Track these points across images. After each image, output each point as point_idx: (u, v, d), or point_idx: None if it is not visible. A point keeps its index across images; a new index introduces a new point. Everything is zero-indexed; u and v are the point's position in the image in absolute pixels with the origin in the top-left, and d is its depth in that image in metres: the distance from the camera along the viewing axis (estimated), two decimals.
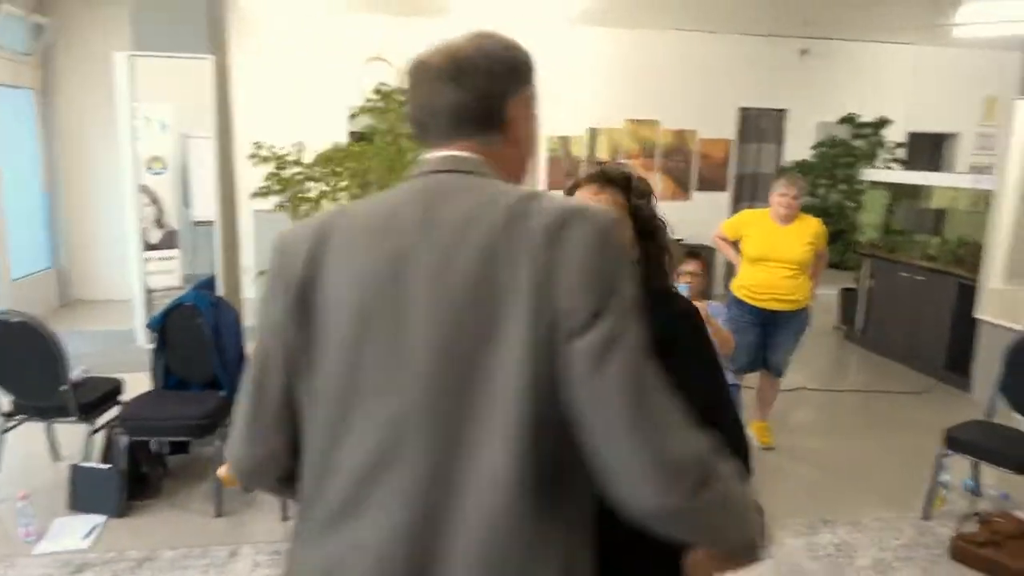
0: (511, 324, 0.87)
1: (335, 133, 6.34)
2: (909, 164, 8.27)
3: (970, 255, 5.57)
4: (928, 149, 9.23)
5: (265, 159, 4.74)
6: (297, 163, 4.75)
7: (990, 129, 8.68)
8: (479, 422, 0.88)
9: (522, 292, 0.87)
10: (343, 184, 4.74)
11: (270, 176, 4.69)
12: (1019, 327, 4.43)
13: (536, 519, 0.89)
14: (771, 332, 4.17)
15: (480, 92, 1.01)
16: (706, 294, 3.74)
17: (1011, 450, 3.24)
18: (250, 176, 4.81)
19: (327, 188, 4.73)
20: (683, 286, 3.53)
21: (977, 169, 8.09)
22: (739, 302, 4.14)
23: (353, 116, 5.00)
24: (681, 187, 8.60)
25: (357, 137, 4.99)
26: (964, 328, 5.28)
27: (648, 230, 1.44)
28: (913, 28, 7.85)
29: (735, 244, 4.26)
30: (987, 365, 4.64)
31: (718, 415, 1.23)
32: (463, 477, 0.88)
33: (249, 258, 5.20)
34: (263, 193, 4.68)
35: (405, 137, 4.61)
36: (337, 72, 7.54)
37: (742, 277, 4.16)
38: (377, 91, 4.79)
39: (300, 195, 4.69)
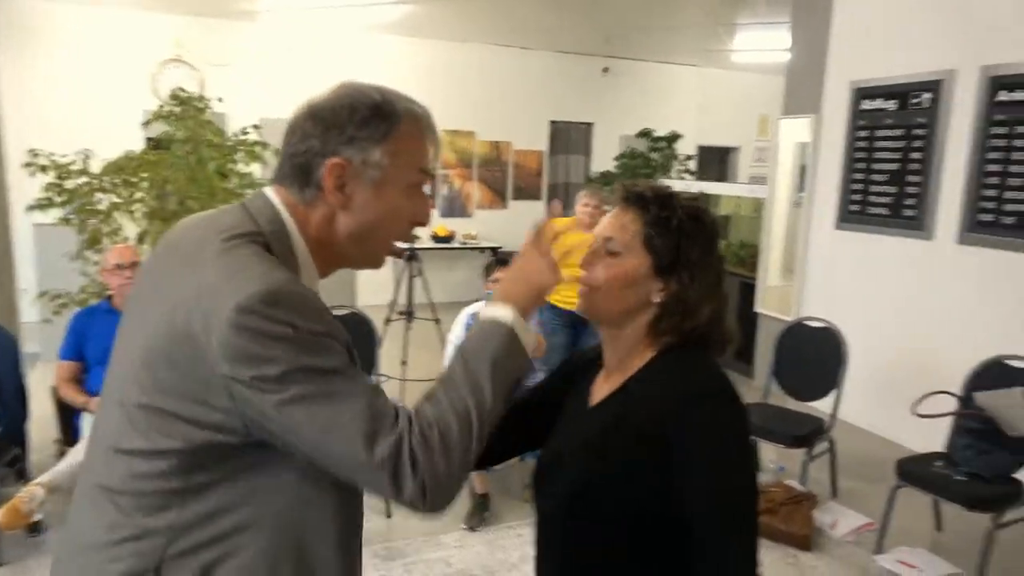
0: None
1: (129, 140, 5.87)
2: (699, 175, 9.11)
3: (750, 256, 6.25)
4: (715, 161, 10.23)
5: (44, 168, 4.29)
6: (83, 172, 4.35)
7: (764, 143, 9.78)
8: None
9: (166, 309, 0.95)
10: (138, 195, 4.41)
11: (50, 187, 4.25)
12: (788, 318, 5.03)
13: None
14: (580, 333, 4.42)
15: (297, 143, 1.04)
16: None
17: (783, 427, 3.69)
18: (27, 187, 4.34)
19: (119, 200, 4.37)
20: (492, 293, 3.65)
21: (755, 179, 9.08)
22: (551, 307, 4.35)
23: (147, 123, 4.65)
24: (498, 196, 8.88)
25: (154, 145, 4.65)
26: (748, 321, 5.91)
27: (670, 263, 1.16)
28: (697, 52, 8.69)
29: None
30: (765, 353, 5.22)
31: (719, 535, 1.06)
32: None
33: (27, 278, 4.68)
34: (42, 206, 4.23)
35: (207, 146, 4.38)
36: (130, 74, 6.99)
37: None
38: (175, 96, 4.50)
39: (88, 207, 4.30)
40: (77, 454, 3.03)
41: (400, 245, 5.92)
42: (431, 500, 0.92)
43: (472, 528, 3.43)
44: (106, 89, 6.88)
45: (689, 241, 1.15)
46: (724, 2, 6.52)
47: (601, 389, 1.24)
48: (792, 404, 4.08)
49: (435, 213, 8.48)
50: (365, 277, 8.24)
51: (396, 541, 3.32)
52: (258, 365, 0.88)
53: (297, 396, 0.88)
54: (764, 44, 7.80)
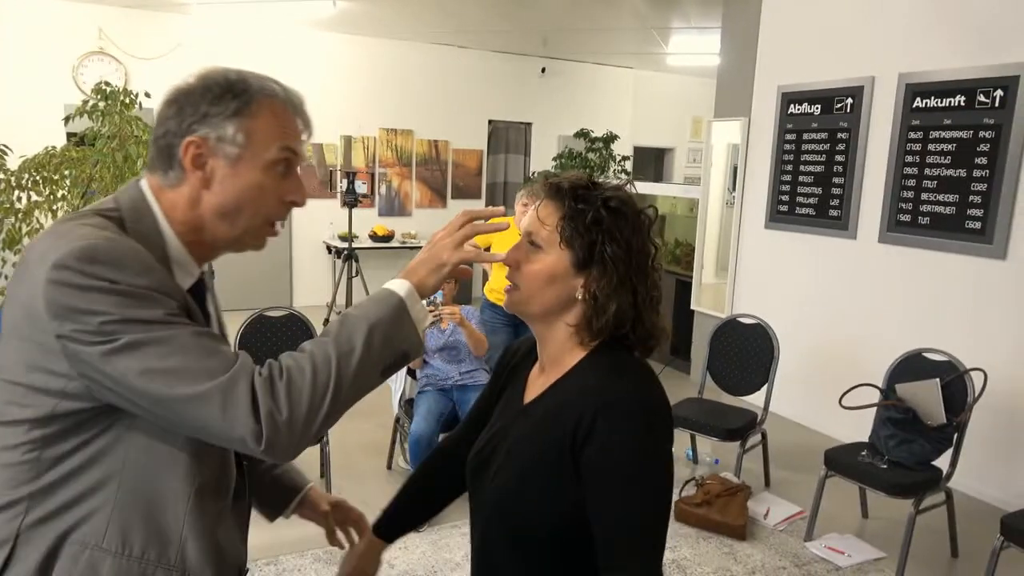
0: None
1: (49, 135, 5.60)
2: (635, 175, 9.28)
3: (685, 255, 6.41)
4: (651, 162, 10.43)
5: None
6: None
7: (698, 145, 10.03)
8: None
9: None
10: (61, 194, 4.22)
11: None
12: (722, 315, 5.18)
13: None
14: (521, 331, 4.44)
15: (159, 127, 1.07)
16: (461, 299, 3.89)
17: (718, 422, 3.79)
18: None
19: (40, 198, 4.17)
20: (438, 292, 3.64)
21: (690, 180, 9.30)
22: (492, 305, 4.37)
23: (69, 118, 4.46)
24: (438, 195, 8.84)
25: (78, 140, 4.46)
26: (684, 318, 6.05)
27: (586, 258, 1.12)
28: (633, 54, 8.84)
29: (487, 250, 4.49)
30: (701, 350, 5.36)
31: (620, 558, 1.03)
32: None
33: None
34: None
35: (134, 142, 4.22)
36: (49, 65, 6.68)
37: (493, 281, 4.40)
38: (99, 90, 4.32)
39: (5, 206, 4.09)
40: None
41: (337, 244, 5.80)
42: (268, 443, 0.93)
43: (417, 529, 3.40)
44: (24, 81, 6.55)
45: (606, 235, 1.11)
46: (656, 6, 6.66)
47: (535, 384, 1.22)
48: (727, 399, 4.21)
49: (373, 212, 8.40)
50: (302, 278, 8.10)
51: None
52: (77, 318, 0.91)
53: (121, 346, 0.91)
54: (697, 48, 8.00)
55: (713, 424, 3.77)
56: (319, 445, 3.56)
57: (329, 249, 8.09)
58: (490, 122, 9.02)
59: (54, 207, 4.23)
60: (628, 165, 8.98)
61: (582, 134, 8.55)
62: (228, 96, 1.05)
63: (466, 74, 8.71)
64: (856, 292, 4.64)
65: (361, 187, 6.95)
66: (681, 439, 4.22)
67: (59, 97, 6.51)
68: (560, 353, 1.17)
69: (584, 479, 1.06)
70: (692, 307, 5.95)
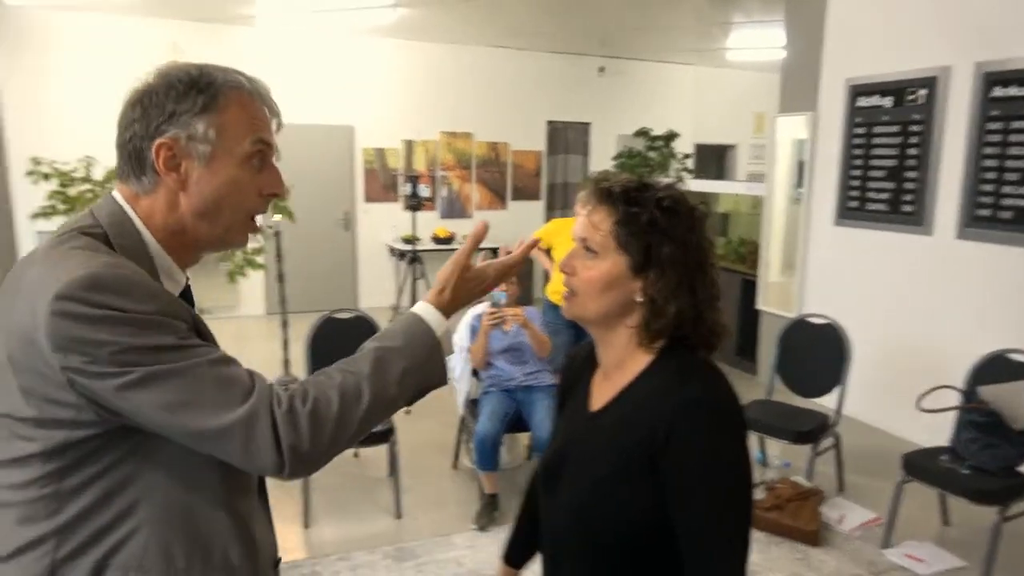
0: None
1: None
2: (697, 173, 9.14)
3: (750, 253, 6.29)
4: (713, 159, 10.27)
5: (47, 176, 4.30)
6: (86, 180, 4.35)
7: (761, 141, 9.81)
8: None
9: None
10: None
11: (54, 194, 4.26)
12: (790, 315, 5.07)
13: None
14: (583, 333, 4.43)
15: (124, 132, 1.02)
16: (523, 301, 3.91)
17: (787, 424, 3.71)
18: (31, 195, 4.34)
19: None
20: (500, 294, 3.68)
21: (753, 177, 9.12)
22: (553, 306, 4.38)
23: None
24: (498, 197, 8.89)
25: None
26: (750, 318, 5.93)
27: (643, 261, 1.11)
28: (692, 51, 8.71)
29: (548, 252, 4.51)
30: (768, 350, 5.25)
31: (710, 559, 1.04)
32: None
33: None
34: (46, 213, 4.24)
35: None
36: (127, 79, 6.98)
37: (554, 283, 4.41)
38: None
39: None
40: None
41: (401, 246, 5.92)
42: (290, 472, 0.93)
43: (482, 528, 3.44)
44: (106, 95, 6.86)
45: (661, 237, 1.10)
46: (717, 2, 6.55)
47: (601, 391, 1.20)
48: (796, 400, 4.11)
49: (435, 215, 8.50)
50: (366, 280, 8.26)
51: (407, 542, 3.34)
52: (86, 350, 0.87)
53: (136, 379, 0.88)
54: (758, 42, 7.84)
55: (783, 426, 3.69)
56: (387, 444, 3.63)
57: (392, 252, 8.23)
58: (549, 123, 9.03)
59: None
60: (689, 163, 8.86)
61: (642, 133, 8.47)
62: (193, 92, 1.00)
63: (524, 76, 8.75)
64: (932, 289, 4.47)
65: (424, 190, 7.05)
66: (749, 441, 4.14)
67: None
68: (623, 358, 1.16)
69: (667, 486, 1.06)
70: (758, 306, 5.83)
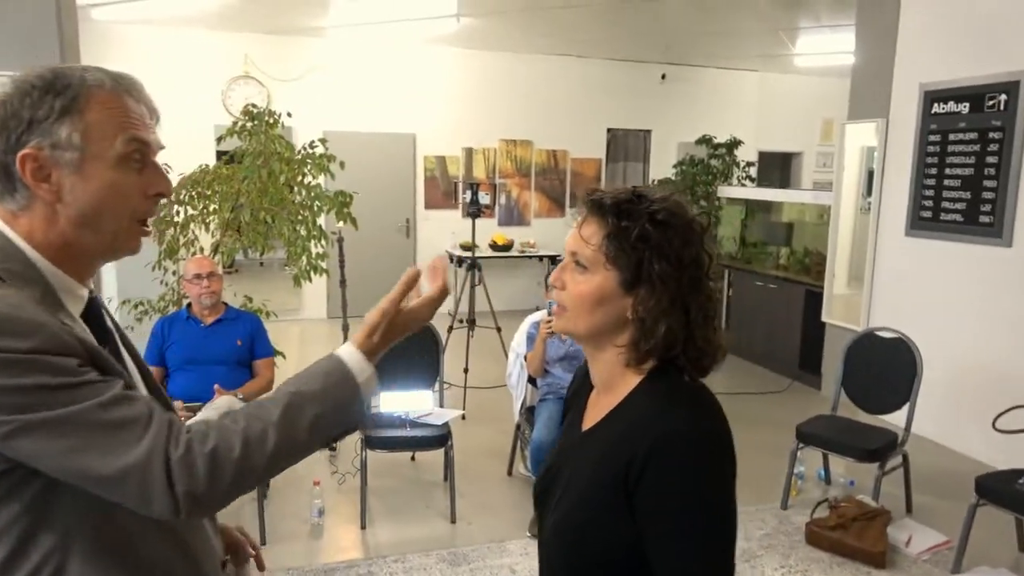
0: None
1: (202, 154, 6.10)
2: (760, 181, 8.96)
3: (815, 264, 6.12)
4: (776, 167, 10.04)
5: None
6: None
7: (828, 148, 9.55)
8: None
9: None
10: (213, 207, 4.58)
11: None
12: (857, 328, 4.91)
13: None
14: None
15: None
16: None
17: (853, 441, 3.59)
18: None
19: (195, 212, 4.55)
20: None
21: (819, 185, 8.88)
22: None
23: (221, 138, 4.84)
24: (556, 205, 8.89)
25: (228, 159, 4.83)
26: (814, 331, 5.77)
27: (636, 274, 1.04)
28: (758, 56, 8.55)
29: None
30: (833, 364, 5.10)
31: None
32: None
33: (111, 286, 4.91)
34: None
35: (277, 159, 4.52)
36: (202, 90, 7.28)
37: None
38: (247, 112, 4.66)
39: (166, 219, 4.48)
40: None
41: (460, 253, 5.99)
42: (187, 515, 0.89)
43: (536, 536, 3.43)
44: (181, 105, 7.16)
45: (653, 252, 1.03)
46: (784, 7, 6.42)
47: (594, 410, 1.16)
48: (862, 417, 3.97)
49: (493, 221, 8.53)
50: (425, 286, 8.36)
51: (461, 547, 3.36)
52: None
53: (15, 428, 0.83)
54: (827, 48, 7.64)
55: (849, 443, 3.57)
56: (443, 449, 3.67)
57: (451, 258, 8.32)
58: (609, 130, 8.99)
59: (207, 220, 4.60)
60: (752, 171, 8.69)
61: (704, 140, 8.36)
62: (50, 96, 0.93)
63: (585, 83, 8.74)
64: (1010, 304, 4.27)
65: (484, 198, 7.12)
66: (813, 457, 4.03)
67: (210, 118, 7.07)
68: (612, 377, 1.11)
69: (640, 524, 1.01)
70: (823, 319, 5.67)
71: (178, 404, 3.34)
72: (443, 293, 1.12)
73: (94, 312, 1.04)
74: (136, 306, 4.38)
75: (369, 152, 7.77)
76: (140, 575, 0.98)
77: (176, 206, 4.54)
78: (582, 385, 1.24)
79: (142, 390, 1.06)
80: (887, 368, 3.79)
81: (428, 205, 8.36)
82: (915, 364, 3.66)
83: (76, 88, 0.95)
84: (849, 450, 3.57)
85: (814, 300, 5.82)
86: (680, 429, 1.00)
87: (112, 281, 4.96)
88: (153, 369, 3.46)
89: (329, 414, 0.98)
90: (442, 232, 8.32)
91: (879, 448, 3.54)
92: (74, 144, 0.94)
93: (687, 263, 1.04)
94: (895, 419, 3.83)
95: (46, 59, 4.01)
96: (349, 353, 1.02)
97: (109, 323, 1.09)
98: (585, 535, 1.07)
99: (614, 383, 1.11)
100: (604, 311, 1.06)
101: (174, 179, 4.69)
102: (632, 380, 1.09)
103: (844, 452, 3.60)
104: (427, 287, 1.14)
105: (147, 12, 6.79)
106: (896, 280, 5.07)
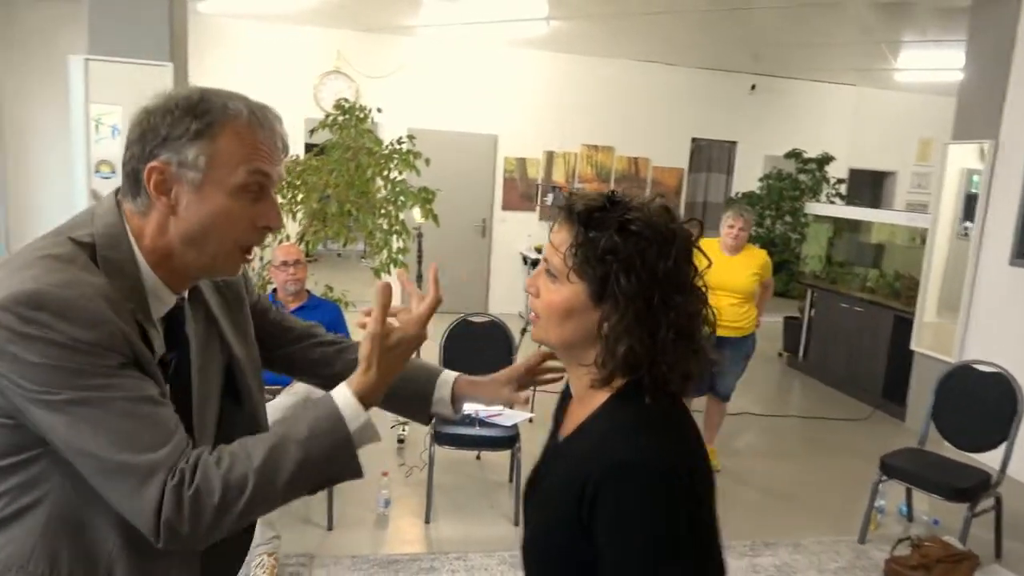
0: None
1: (292, 145, 6.29)
2: (850, 199, 8.63)
3: (906, 289, 5.84)
4: (868, 185, 9.65)
5: None
6: None
7: (925, 169, 9.13)
8: None
9: None
10: (300, 198, 4.71)
11: None
12: (950, 359, 4.65)
13: None
14: (724, 362, 4.29)
15: (126, 151, 1.02)
16: None
17: (941, 478, 3.40)
18: None
19: (284, 201, 4.68)
20: None
21: (913, 207, 8.49)
22: None
23: (313, 130, 4.98)
24: None
25: (318, 151, 4.96)
26: (900, 359, 5.51)
27: (603, 288, 0.97)
28: (855, 70, 8.24)
29: None
30: (921, 395, 4.85)
31: None
32: None
33: None
34: None
35: (365, 154, 4.61)
36: (294, 84, 7.50)
37: None
38: (338, 106, 4.78)
39: None
40: None
41: (534, 255, 5.97)
42: (164, 543, 0.91)
43: None
44: (274, 98, 7.37)
45: (620, 265, 0.95)
46: (888, 19, 6.16)
47: (571, 418, 1.10)
48: (951, 453, 3.76)
49: None
50: (498, 286, 8.40)
51: None
52: (12, 362, 0.89)
53: (53, 401, 0.89)
54: (931, 63, 7.30)
55: (937, 480, 3.38)
56: (511, 450, 3.67)
57: (525, 260, 8.33)
58: (693, 140, 8.83)
59: (294, 210, 4.73)
60: (843, 188, 8.39)
61: (793, 154, 8.11)
62: (188, 118, 0.99)
63: (671, 91, 8.61)
64: None
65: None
66: (894, 491, 3.84)
67: (301, 112, 7.29)
68: (583, 390, 1.05)
69: (597, 550, 0.95)
70: (912, 347, 5.40)
71: (271, 389, 3.45)
72: (435, 304, 1.10)
73: (177, 318, 1.09)
74: None
75: (450, 151, 7.85)
76: (81, 566, 1.00)
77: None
78: (567, 389, 1.19)
79: (193, 402, 1.09)
80: (983, 404, 3.57)
81: (506, 206, 8.39)
82: (1015, 401, 3.43)
83: (215, 115, 1.00)
84: (937, 487, 3.38)
85: (902, 326, 5.56)
86: (632, 460, 0.93)
87: None
88: None
89: (314, 462, 0.97)
90: (518, 233, 8.34)
91: (970, 488, 3.34)
92: (199, 166, 0.99)
93: (661, 277, 0.96)
94: (988, 459, 3.61)
95: (158, 50, 4.22)
96: (343, 397, 1.01)
97: (191, 332, 1.12)
98: (550, 547, 1.04)
99: (585, 398, 1.05)
100: (574, 324, 1.01)
101: None
102: (599, 397, 1.02)
103: (931, 489, 3.41)
104: (414, 304, 1.13)
105: (249, 7, 7.05)
106: (996, 311, 4.78)
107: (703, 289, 1.01)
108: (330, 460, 0.99)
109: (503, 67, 8.09)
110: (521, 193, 8.39)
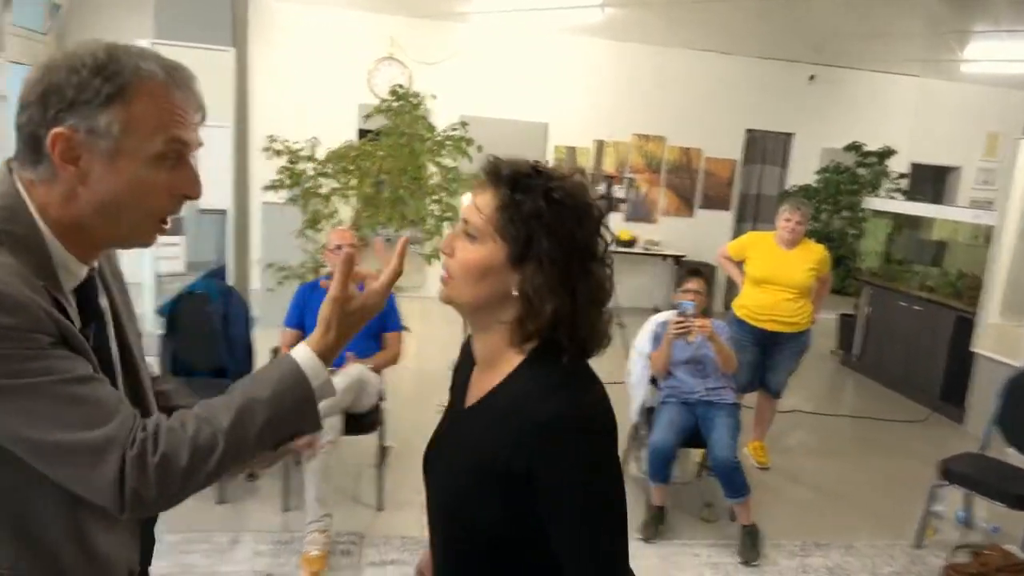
0: None
1: (345, 130, 6.35)
2: (911, 195, 8.36)
3: (968, 288, 5.64)
4: (930, 181, 9.34)
5: (279, 153, 4.76)
6: (310, 159, 4.76)
7: (991, 164, 8.80)
8: None
9: None
10: (354, 182, 4.76)
11: (283, 170, 4.70)
12: (1016, 363, 4.49)
13: None
14: (770, 353, 4.21)
15: (21, 113, 0.93)
16: (708, 312, 3.77)
17: (1005, 484, 3.28)
18: (261, 168, 4.83)
19: (338, 185, 4.74)
20: (688, 303, 3.58)
21: (978, 204, 8.18)
22: (740, 321, 4.18)
23: (368, 116, 5.02)
24: (685, 204, 8.66)
25: (372, 136, 5.00)
26: (960, 360, 5.33)
27: (525, 249, 1.02)
28: (920, 61, 7.96)
29: (739, 264, 4.31)
30: (982, 398, 4.70)
31: (589, 572, 1.03)
32: None
33: (257, 249, 5.22)
34: (276, 186, 4.69)
35: (419, 140, 4.64)
36: (349, 69, 7.57)
37: (744, 297, 4.21)
38: (394, 92, 4.81)
39: (312, 191, 4.70)
40: None
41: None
42: (130, 512, 0.90)
43: (647, 539, 3.37)
44: (329, 83, 7.49)
45: (544, 230, 1.01)
46: (958, 8, 5.92)
47: (475, 387, 1.13)
48: (1016, 460, 3.63)
49: (619, 216, 8.42)
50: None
51: None
52: None
53: None
54: (1002, 54, 6.99)
55: (1001, 487, 3.27)
56: None
57: None
58: (748, 131, 8.65)
59: (347, 194, 4.79)
60: (904, 183, 8.13)
61: (853, 147, 7.88)
62: (98, 79, 0.90)
63: (726, 81, 8.43)
64: None
65: (619, 192, 7.02)
66: (954, 497, 3.72)
67: (355, 98, 7.35)
68: (493, 354, 1.09)
69: (540, 507, 1.02)
70: (972, 349, 5.22)
71: None
72: (394, 276, 1.10)
73: (88, 290, 1.04)
74: (280, 270, 4.63)
75: (500, 138, 7.80)
76: (27, 555, 0.97)
77: (321, 179, 4.76)
78: (464, 360, 1.21)
79: (118, 376, 1.07)
80: None
81: None
82: None
83: (127, 76, 0.92)
84: (1000, 494, 3.26)
85: (963, 327, 5.37)
86: (564, 413, 0.99)
87: (258, 245, 5.27)
88: (290, 332, 3.65)
89: (280, 419, 0.98)
90: None
91: None
92: (111, 134, 0.92)
93: (579, 245, 1.03)
94: None
95: (221, 36, 4.29)
96: (305, 355, 1.02)
97: (105, 303, 1.09)
98: (463, 515, 1.09)
99: (495, 360, 1.09)
100: (489, 283, 1.04)
101: (321, 153, 4.93)
102: (513, 360, 1.07)
103: (994, 496, 3.29)
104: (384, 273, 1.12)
105: None
106: None
107: (610, 263, 1.08)
108: (295, 416, 1.00)
109: (556, 54, 8.03)
110: None
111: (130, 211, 0.96)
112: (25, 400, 0.87)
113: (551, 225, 1.01)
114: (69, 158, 0.92)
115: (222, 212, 4.47)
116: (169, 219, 1.01)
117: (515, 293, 1.03)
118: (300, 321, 3.67)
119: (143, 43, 4.19)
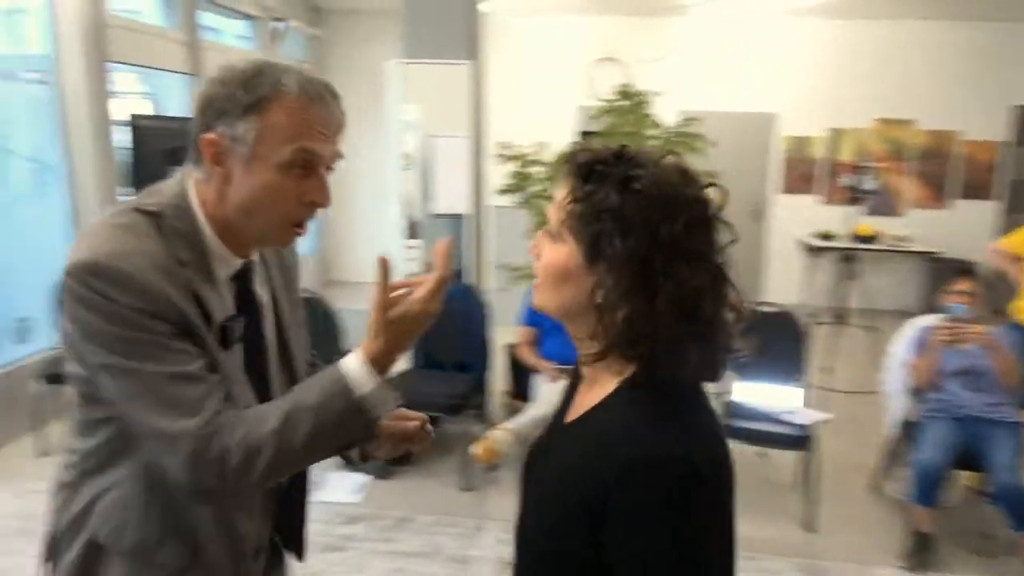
0: None
1: (566, 133, 6.46)
2: None
3: None
4: None
5: (509, 158, 4.94)
6: (538, 162, 4.89)
7: None
8: None
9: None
10: None
11: (514, 174, 4.88)
12: None
13: None
14: None
15: (192, 121, 1.06)
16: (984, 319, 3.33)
17: None
18: (494, 173, 5.05)
19: None
20: (959, 306, 3.20)
21: None
22: (1019, 327, 3.65)
23: (596, 116, 5.05)
24: (936, 194, 7.75)
25: (598, 137, 5.03)
26: None
27: (596, 248, 0.88)
28: None
29: (1020, 261, 3.77)
30: None
31: None
32: None
33: (492, 251, 5.48)
34: (509, 190, 4.89)
35: (644, 139, 4.57)
36: (569, 73, 7.70)
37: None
38: (621, 92, 4.78)
39: (541, 194, 4.82)
40: (538, 408, 3.44)
41: (818, 243, 5.53)
42: (197, 497, 1.05)
43: (911, 569, 3.05)
44: (550, 88, 7.68)
45: (615, 224, 0.85)
46: None
47: (581, 400, 0.99)
48: None
49: (853, 209, 7.74)
50: (773, 274, 7.93)
51: (821, 560, 3.12)
52: (74, 324, 0.99)
53: (103, 361, 0.98)
54: None
55: None
56: (802, 452, 3.44)
57: (805, 247, 7.76)
58: (1015, 108, 7.53)
59: None
60: None
61: None
62: (240, 91, 1.01)
63: (983, 51, 7.40)
64: None
65: (869, 183, 6.44)
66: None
67: (574, 101, 7.46)
68: (591, 371, 0.96)
69: (608, 555, 0.86)
70: None
71: (548, 365, 3.62)
72: (441, 282, 1.05)
73: (245, 281, 1.16)
74: (513, 270, 4.81)
75: (722, 132, 7.50)
76: (170, 518, 1.10)
77: (550, 182, 4.86)
78: (578, 368, 1.06)
79: (270, 364, 1.21)
80: None
81: (784, 189, 7.87)
82: None
83: (265, 90, 1.02)
84: None
85: None
86: (644, 456, 0.84)
87: (492, 247, 5.54)
88: (529, 329, 3.78)
89: (323, 430, 1.01)
90: (797, 218, 7.79)
91: None
92: (247, 141, 1.02)
93: (663, 241, 0.85)
94: None
95: (458, 50, 4.56)
96: (353, 364, 1.03)
97: (267, 296, 1.20)
98: (543, 537, 0.96)
99: (594, 379, 0.96)
100: (570, 288, 0.91)
101: (550, 156, 5.04)
102: (608, 382, 0.92)
103: None
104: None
105: (523, 2, 7.35)
106: None
107: (722, 267, 0.90)
108: (342, 424, 1.02)
109: (780, 40, 7.56)
110: (801, 174, 7.81)
111: (263, 212, 1.07)
112: (127, 380, 0.99)
113: (628, 219, 0.86)
114: (217, 160, 1.05)
115: (458, 216, 4.76)
116: (306, 224, 1.11)
117: (598, 300, 0.89)
118: (536, 319, 3.79)
119: (393, 63, 4.58)
